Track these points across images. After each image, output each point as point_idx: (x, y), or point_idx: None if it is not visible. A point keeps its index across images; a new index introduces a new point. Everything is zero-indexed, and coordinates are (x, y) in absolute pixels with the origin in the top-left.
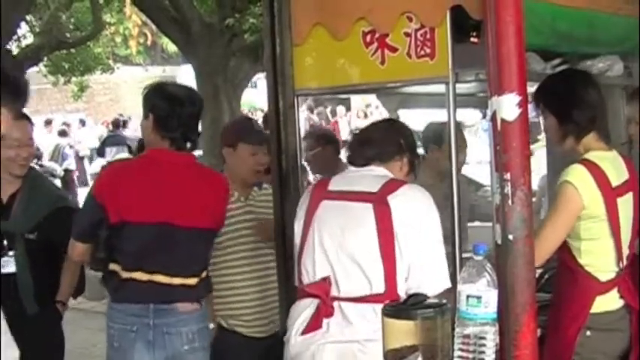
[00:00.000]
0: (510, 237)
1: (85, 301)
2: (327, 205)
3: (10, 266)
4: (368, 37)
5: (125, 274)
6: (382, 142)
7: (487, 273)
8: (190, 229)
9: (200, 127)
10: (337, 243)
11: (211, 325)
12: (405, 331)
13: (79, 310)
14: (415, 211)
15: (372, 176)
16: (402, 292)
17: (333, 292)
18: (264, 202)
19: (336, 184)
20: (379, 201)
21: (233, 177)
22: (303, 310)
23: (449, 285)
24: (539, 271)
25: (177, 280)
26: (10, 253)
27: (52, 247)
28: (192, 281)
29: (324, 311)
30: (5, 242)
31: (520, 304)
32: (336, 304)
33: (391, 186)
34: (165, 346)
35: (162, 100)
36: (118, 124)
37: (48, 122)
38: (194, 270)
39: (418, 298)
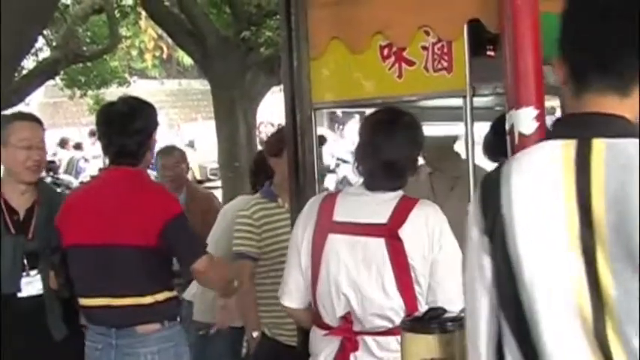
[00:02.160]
0: None
1: None
2: (335, 240)
3: (32, 288)
4: (385, 51)
5: (81, 301)
6: (391, 156)
7: None
8: (125, 248)
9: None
10: (353, 281)
11: (255, 334)
12: (423, 345)
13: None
14: (428, 238)
15: (381, 198)
16: None
17: (356, 328)
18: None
19: (342, 211)
20: (391, 235)
21: (284, 185)
22: (327, 343)
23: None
24: None
25: (128, 301)
26: (32, 272)
27: None
28: (147, 300)
29: (349, 347)
30: (25, 261)
31: None
32: (359, 338)
33: (401, 213)
34: None
35: (100, 115)
36: None
37: (64, 142)
38: (143, 289)
39: (437, 311)
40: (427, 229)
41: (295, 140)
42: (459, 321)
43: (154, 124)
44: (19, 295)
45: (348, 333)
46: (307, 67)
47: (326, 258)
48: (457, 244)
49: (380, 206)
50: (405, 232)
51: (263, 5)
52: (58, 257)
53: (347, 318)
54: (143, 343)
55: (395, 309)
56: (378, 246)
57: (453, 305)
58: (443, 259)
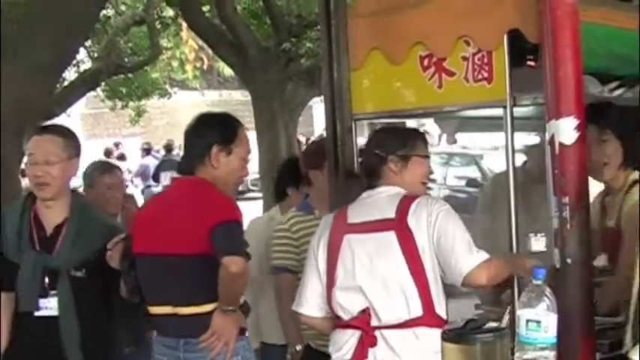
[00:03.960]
0: (569, 261)
1: None
2: (350, 239)
3: (50, 308)
4: (425, 62)
5: (149, 309)
6: (364, 162)
7: (546, 297)
8: (184, 257)
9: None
10: (369, 274)
11: (298, 347)
12: (464, 356)
13: None
14: (432, 223)
15: (384, 198)
16: (442, 312)
17: (374, 322)
18: None
19: (354, 215)
20: (400, 227)
21: (324, 198)
22: (347, 339)
23: (486, 256)
24: None
25: (193, 310)
26: (53, 292)
27: (103, 289)
28: (208, 308)
29: (367, 342)
30: (47, 280)
31: (578, 328)
32: (377, 332)
33: (405, 207)
34: None
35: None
36: (171, 148)
37: (109, 152)
38: (201, 298)
39: (477, 322)
40: (427, 216)
41: (336, 151)
42: (499, 331)
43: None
44: (36, 313)
45: (366, 326)
46: (347, 77)
47: (342, 256)
48: (454, 217)
49: (387, 204)
50: (411, 222)
51: (304, 16)
52: (126, 263)
53: (365, 311)
54: (211, 356)
55: (411, 296)
56: (389, 238)
57: (458, 271)
58: (441, 231)
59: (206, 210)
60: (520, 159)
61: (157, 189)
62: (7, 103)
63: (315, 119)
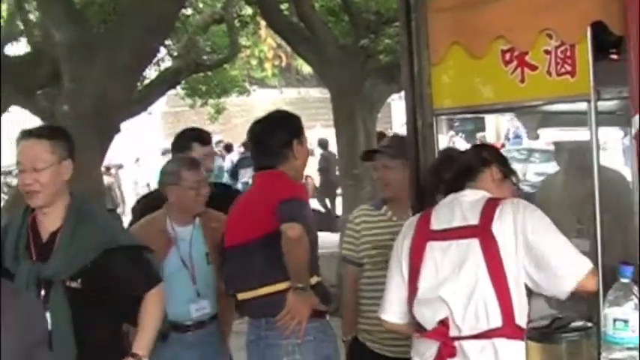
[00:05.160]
0: None
1: None
2: (434, 246)
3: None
4: (507, 56)
5: (238, 296)
6: (461, 160)
7: (634, 296)
8: (258, 240)
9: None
10: (450, 283)
11: (347, 337)
12: (550, 355)
13: None
14: (515, 231)
15: (468, 203)
16: (522, 323)
17: (453, 333)
18: None
19: (437, 220)
20: (484, 235)
21: (397, 195)
22: (427, 348)
23: (590, 265)
24: None
25: (268, 290)
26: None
27: (104, 301)
28: (283, 286)
29: (446, 352)
30: (43, 292)
31: None
32: (456, 343)
33: (489, 211)
34: (267, 356)
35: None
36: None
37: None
38: (275, 278)
39: (563, 321)
40: (513, 222)
41: (417, 147)
42: (585, 330)
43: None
44: None
45: (444, 337)
46: (428, 72)
47: (424, 264)
48: (546, 223)
49: (470, 209)
50: (495, 229)
51: (382, 12)
52: (221, 260)
53: (444, 322)
54: (285, 334)
55: (491, 307)
56: (472, 246)
57: (565, 283)
58: (540, 241)
59: (274, 194)
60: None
61: (238, 185)
62: (87, 102)
63: (394, 116)
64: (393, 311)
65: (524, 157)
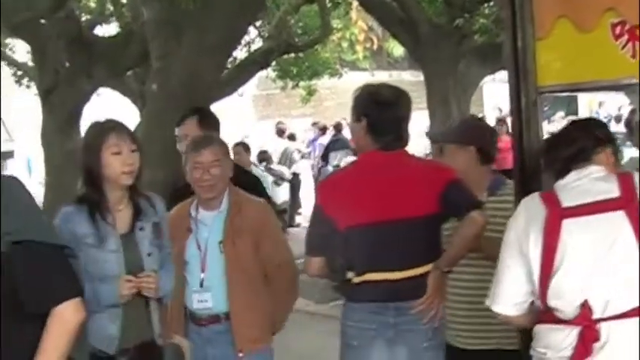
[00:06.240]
0: None
1: (312, 304)
2: (571, 224)
3: None
4: (617, 29)
5: (357, 279)
6: (578, 139)
7: None
8: (408, 220)
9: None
10: (594, 262)
11: None
12: None
13: (307, 312)
14: None
15: (596, 179)
16: None
17: (596, 315)
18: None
19: (567, 198)
20: (630, 206)
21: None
22: (564, 337)
23: None
24: None
25: (406, 273)
26: None
27: (10, 301)
28: (421, 270)
29: (589, 337)
30: None
31: None
32: (601, 325)
33: (626, 183)
34: (406, 343)
35: (374, 105)
36: (340, 128)
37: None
38: (420, 260)
39: None
40: None
41: (520, 125)
42: None
43: None
44: None
45: (588, 321)
46: (532, 48)
47: (562, 245)
48: None
49: (603, 184)
50: None
51: None
52: (335, 243)
53: (585, 305)
54: (422, 319)
55: (635, 283)
56: (618, 219)
57: None
58: None
59: (437, 174)
60: None
61: (328, 168)
62: (175, 80)
63: (485, 99)
64: (507, 303)
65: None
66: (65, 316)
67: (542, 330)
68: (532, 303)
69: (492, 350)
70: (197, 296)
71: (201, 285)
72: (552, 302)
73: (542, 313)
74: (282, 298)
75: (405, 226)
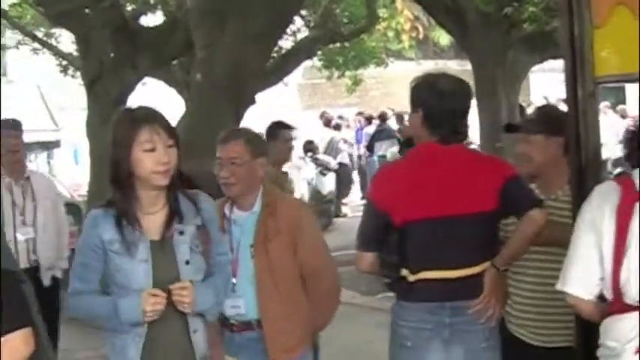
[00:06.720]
0: None
1: (358, 296)
2: None
3: None
4: None
5: (412, 277)
6: None
7: None
8: (467, 216)
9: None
10: None
11: None
12: None
13: (354, 305)
14: None
15: None
16: None
17: None
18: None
19: None
20: None
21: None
22: (633, 327)
23: None
24: None
25: (464, 272)
26: None
27: None
28: (477, 270)
29: None
30: None
31: None
32: None
33: None
34: (463, 343)
35: (432, 95)
36: (386, 118)
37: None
38: (478, 258)
39: None
40: None
41: (577, 117)
42: None
43: None
44: None
45: None
46: (590, 36)
47: (634, 226)
48: None
49: None
50: None
51: None
52: (389, 239)
53: None
54: (479, 319)
55: None
56: None
57: None
58: None
59: (491, 169)
60: None
61: (373, 158)
62: (219, 69)
63: (532, 89)
64: (579, 285)
65: None
66: (15, 346)
67: (609, 322)
68: (601, 299)
69: (563, 348)
70: (230, 302)
71: (233, 290)
72: (623, 287)
73: (611, 305)
74: (321, 304)
75: (463, 223)
